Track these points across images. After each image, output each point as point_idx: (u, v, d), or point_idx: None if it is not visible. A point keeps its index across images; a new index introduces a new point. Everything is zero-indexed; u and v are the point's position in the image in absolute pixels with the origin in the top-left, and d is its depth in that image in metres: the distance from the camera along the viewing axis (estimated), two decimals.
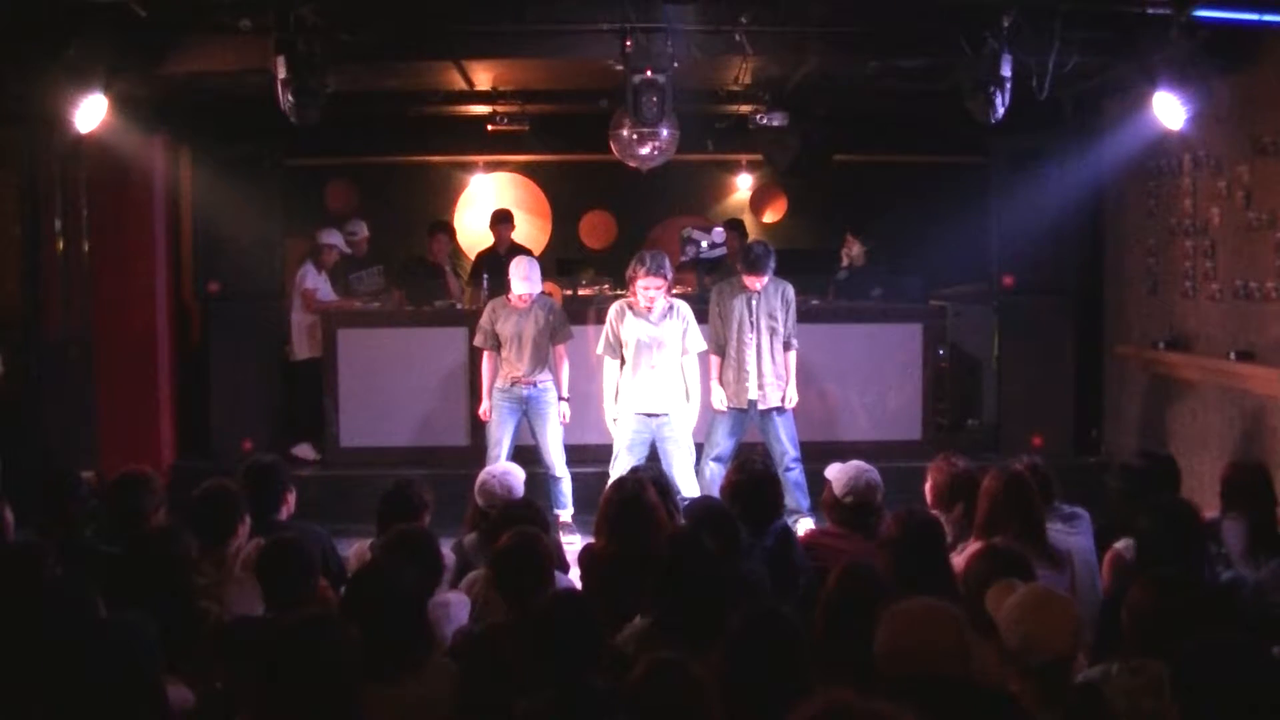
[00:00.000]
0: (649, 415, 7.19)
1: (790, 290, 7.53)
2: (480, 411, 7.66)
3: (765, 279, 7.34)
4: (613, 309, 7.31)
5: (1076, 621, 3.31)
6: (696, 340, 7.29)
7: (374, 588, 3.55)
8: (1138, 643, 3.37)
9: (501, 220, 9.79)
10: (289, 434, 8.80)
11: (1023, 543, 4.32)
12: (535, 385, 7.44)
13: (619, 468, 7.04)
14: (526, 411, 7.51)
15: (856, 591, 3.47)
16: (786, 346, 7.47)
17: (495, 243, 9.77)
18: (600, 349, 7.32)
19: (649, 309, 7.15)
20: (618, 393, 7.27)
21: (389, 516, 4.81)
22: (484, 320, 7.53)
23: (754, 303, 7.39)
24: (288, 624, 3.10)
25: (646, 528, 4.63)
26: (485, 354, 7.58)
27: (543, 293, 7.63)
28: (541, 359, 7.45)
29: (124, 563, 3.96)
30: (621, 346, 7.22)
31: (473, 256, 10.83)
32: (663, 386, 7.19)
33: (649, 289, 7.07)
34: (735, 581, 4.22)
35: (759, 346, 7.38)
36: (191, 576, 3.99)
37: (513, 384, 7.44)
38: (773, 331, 7.41)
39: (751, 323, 7.38)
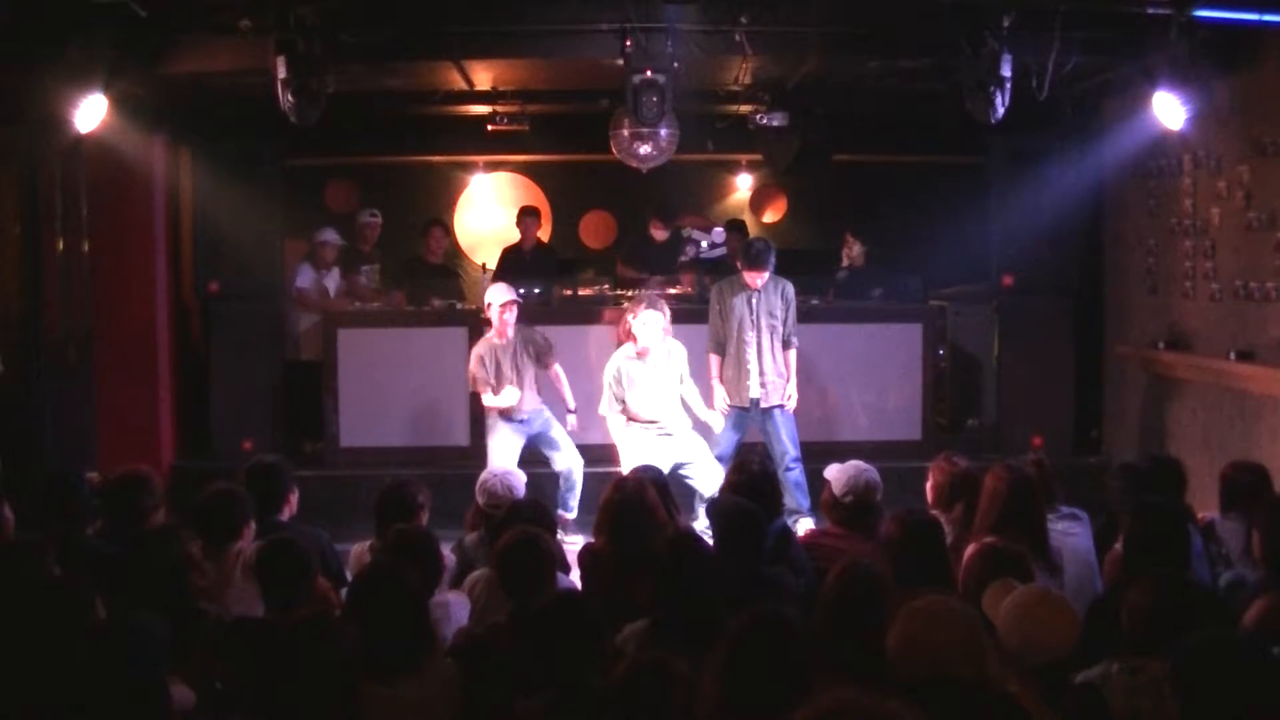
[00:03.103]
0: (663, 434, 7.18)
1: (790, 288, 7.53)
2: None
3: (766, 275, 7.34)
4: (609, 371, 7.20)
5: (1075, 623, 3.31)
6: (686, 374, 7.29)
7: (377, 588, 3.55)
8: (1137, 642, 3.37)
9: (527, 215, 9.76)
10: (292, 434, 8.81)
11: (1024, 545, 4.32)
12: (535, 409, 7.44)
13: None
14: (533, 436, 7.47)
15: (856, 591, 3.47)
16: (786, 345, 7.47)
17: (521, 239, 9.75)
18: (603, 408, 7.24)
19: (644, 354, 7.11)
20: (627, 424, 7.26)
21: (385, 517, 4.82)
22: (475, 369, 7.34)
23: (754, 301, 7.39)
24: (287, 624, 3.11)
25: (646, 528, 4.63)
26: (484, 391, 7.38)
27: (520, 323, 7.45)
28: (535, 385, 7.42)
29: (124, 563, 3.96)
30: (623, 399, 7.17)
31: (472, 256, 10.85)
32: (668, 412, 7.20)
33: (648, 324, 7.04)
34: (758, 582, 4.23)
35: (759, 345, 7.38)
36: (191, 576, 4.00)
37: (512, 411, 7.40)
38: (773, 330, 7.41)
39: (752, 321, 7.38)
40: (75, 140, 7.04)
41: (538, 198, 11.09)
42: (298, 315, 9.14)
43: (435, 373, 8.55)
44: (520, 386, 7.32)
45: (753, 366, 7.39)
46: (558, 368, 7.49)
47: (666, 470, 6.94)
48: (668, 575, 3.81)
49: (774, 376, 7.42)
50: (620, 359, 7.22)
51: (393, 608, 3.45)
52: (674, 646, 3.52)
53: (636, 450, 7.10)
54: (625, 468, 7.11)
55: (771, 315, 7.41)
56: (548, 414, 7.49)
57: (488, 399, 7.34)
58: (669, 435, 7.21)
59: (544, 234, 10.92)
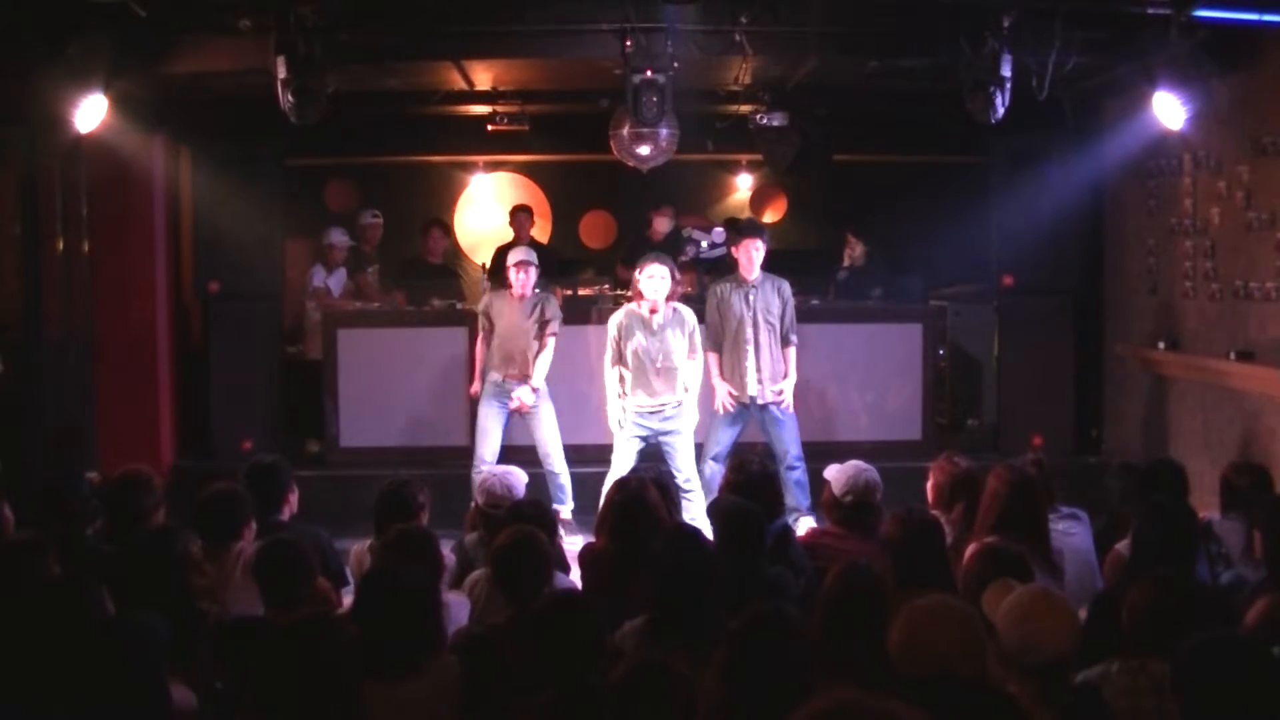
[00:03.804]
0: (651, 411, 7.20)
1: (787, 287, 7.53)
2: (472, 389, 7.70)
3: (760, 243, 7.34)
4: (614, 322, 7.27)
5: (1075, 623, 3.31)
6: (699, 345, 7.31)
7: (387, 586, 3.54)
8: (1137, 642, 3.37)
9: (520, 214, 9.79)
10: (297, 432, 8.81)
11: (1026, 545, 4.32)
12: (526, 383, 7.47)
13: (619, 464, 7.06)
14: (520, 411, 7.52)
15: (856, 591, 3.46)
16: (786, 342, 7.46)
17: (515, 238, 9.76)
18: (607, 358, 7.30)
19: (654, 311, 7.14)
20: (621, 394, 7.28)
21: (385, 517, 4.81)
22: (480, 308, 7.64)
23: (751, 299, 7.39)
24: (287, 624, 3.10)
25: (647, 528, 4.63)
26: (480, 335, 7.62)
27: (537, 290, 7.60)
28: (534, 357, 7.46)
29: (124, 563, 3.96)
30: (623, 356, 7.22)
31: (472, 256, 10.85)
32: (665, 381, 7.21)
33: (654, 276, 7.07)
34: (758, 582, 4.23)
35: (757, 343, 7.38)
36: (191, 576, 4.00)
37: (505, 379, 7.46)
38: (771, 329, 7.41)
39: (750, 319, 7.38)
40: (75, 140, 7.03)
41: (538, 198, 11.10)
42: (309, 314, 9.12)
43: (435, 373, 8.55)
44: (515, 345, 7.43)
45: (750, 364, 7.38)
46: (549, 342, 7.49)
47: (647, 443, 7.15)
48: (666, 570, 3.80)
49: (772, 373, 7.41)
50: (626, 310, 7.27)
51: (403, 606, 3.45)
52: (672, 643, 3.53)
53: (624, 432, 7.22)
54: (611, 421, 7.26)
55: (769, 314, 7.41)
56: (542, 396, 7.51)
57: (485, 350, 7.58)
58: (657, 411, 7.20)
59: (544, 234, 10.95)
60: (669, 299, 7.20)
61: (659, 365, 7.18)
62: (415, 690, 3.35)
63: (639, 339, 7.18)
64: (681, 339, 7.22)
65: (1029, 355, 8.82)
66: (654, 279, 7.11)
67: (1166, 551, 4.09)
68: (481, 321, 7.62)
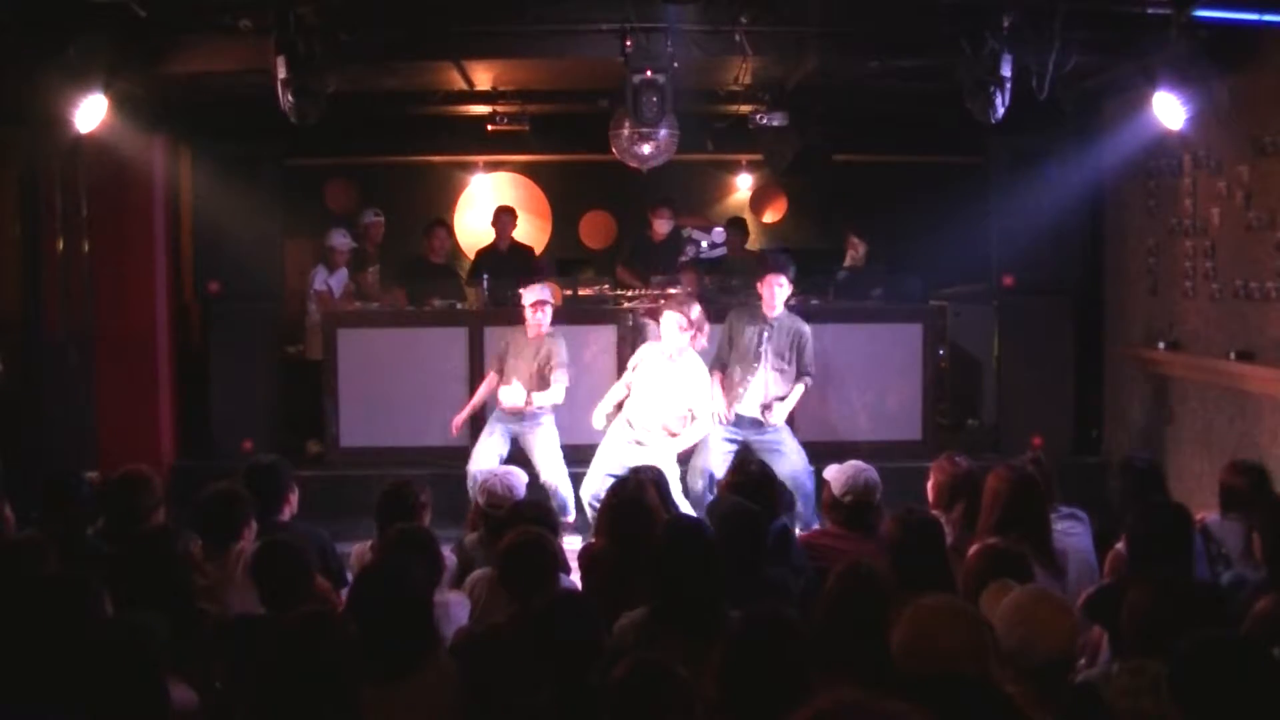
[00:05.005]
0: (637, 441, 7.09)
1: (806, 331, 7.31)
2: (455, 422, 7.60)
3: (784, 280, 7.21)
4: (635, 358, 7.24)
5: (1073, 623, 3.31)
6: (703, 405, 7.08)
7: (382, 585, 3.54)
8: (1137, 643, 3.37)
9: (503, 215, 9.78)
10: (298, 431, 8.81)
11: (1027, 544, 4.32)
12: (533, 414, 7.42)
13: (597, 467, 7.06)
14: (520, 437, 7.46)
15: (856, 591, 3.46)
16: (799, 376, 7.29)
17: (496, 239, 9.76)
18: (622, 380, 7.26)
19: (670, 358, 7.05)
20: (619, 405, 7.22)
21: (387, 517, 4.82)
22: (498, 351, 7.56)
23: (764, 335, 7.25)
24: (287, 624, 3.11)
25: (646, 528, 4.63)
26: (489, 374, 7.56)
27: (550, 331, 7.51)
28: (541, 390, 7.42)
29: (124, 563, 3.96)
30: (629, 380, 7.20)
31: (472, 256, 10.85)
32: (656, 428, 7.08)
33: (665, 324, 7.01)
34: (759, 582, 4.23)
35: (765, 381, 7.25)
36: (191, 576, 4.00)
37: (511, 411, 7.41)
38: (781, 371, 7.25)
39: (758, 353, 7.24)
40: (75, 140, 7.04)
41: (538, 198, 11.10)
42: (309, 315, 9.12)
43: (435, 373, 8.54)
44: (526, 382, 7.34)
45: (749, 397, 7.25)
46: (555, 378, 7.35)
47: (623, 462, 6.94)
48: (667, 558, 3.80)
49: (774, 399, 7.30)
50: (648, 347, 7.24)
51: (397, 606, 3.45)
52: (672, 635, 3.53)
53: (609, 437, 7.16)
54: (597, 414, 7.21)
55: (780, 357, 7.25)
56: (544, 422, 7.45)
57: (492, 389, 7.47)
58: (640, 445, 7.06)
59: (544, 234, 10.96)
60: (692, 340, 7.05)
61: (657, 412, 7.06)
62: (414, 690, 3.35)
63: (650, 379, 7.08)
64: (683, 397, 7.03)
65: (1029, 355, 8.82)
66: (664, 326, 7.02)
67: (1160, 549, 4.09)
68: (497, 366, 7.50)
